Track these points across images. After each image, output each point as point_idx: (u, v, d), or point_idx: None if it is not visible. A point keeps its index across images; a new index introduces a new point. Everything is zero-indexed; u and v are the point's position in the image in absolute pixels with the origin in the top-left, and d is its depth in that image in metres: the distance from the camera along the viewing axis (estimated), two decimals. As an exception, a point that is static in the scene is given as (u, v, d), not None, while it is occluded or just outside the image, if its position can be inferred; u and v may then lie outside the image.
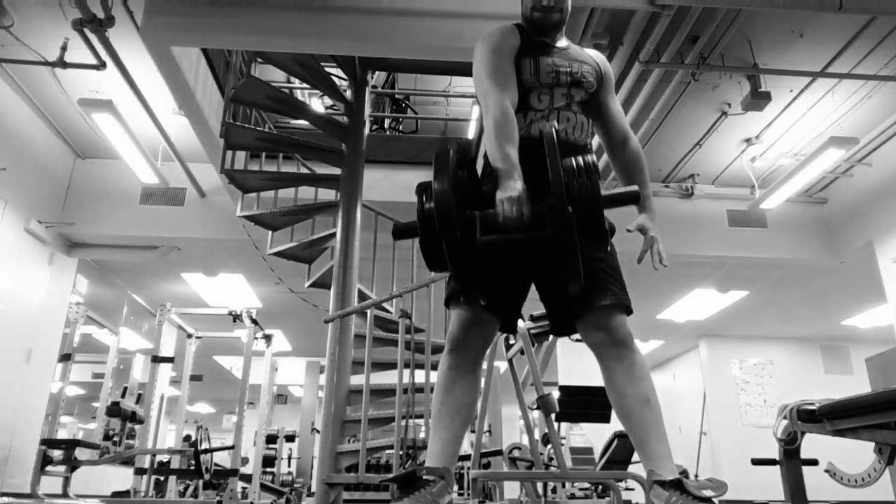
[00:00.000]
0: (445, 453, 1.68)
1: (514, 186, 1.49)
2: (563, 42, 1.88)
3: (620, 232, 1.80)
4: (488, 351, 2.45)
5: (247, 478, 6.03)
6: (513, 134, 1.61)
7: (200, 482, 6.00)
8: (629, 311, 1.68)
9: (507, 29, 1.84)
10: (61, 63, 4.34)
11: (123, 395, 6.74)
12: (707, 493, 1.47)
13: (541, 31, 1.83)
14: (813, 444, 2.52)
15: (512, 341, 3.79)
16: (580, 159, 1.43)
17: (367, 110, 4.72)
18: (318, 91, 5.54)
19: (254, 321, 5.61)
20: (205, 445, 5.00)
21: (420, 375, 3.67)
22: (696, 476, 6.64)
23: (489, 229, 1.44)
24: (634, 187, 1.57)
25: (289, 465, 9.05)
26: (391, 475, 2.14)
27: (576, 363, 7.54)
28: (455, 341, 1.72)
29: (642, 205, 1.86)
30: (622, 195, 1.51)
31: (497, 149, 1.59)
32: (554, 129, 1.44)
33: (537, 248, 1.61)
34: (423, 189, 1.46)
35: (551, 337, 3.52)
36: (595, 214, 1.38)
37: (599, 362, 1.68)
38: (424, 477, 1.61)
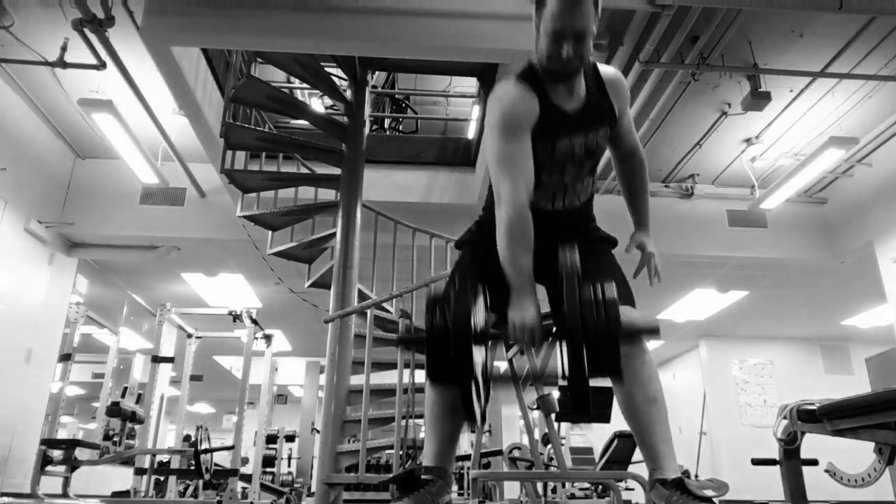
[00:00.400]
0: (442, 452, 1.68)
1: (527, 308, 1.46)
2: (580, 89, 1.71)
3: (621, 238, 1.84)
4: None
5: (247, 478, 6.03)
6: (528, 240, 1.54)
7: (200, 482, 6.00)
8: None
9: (522, 94, 1.66)
10: (61, 63, 4.34)
11: (123, 395, 6.74)
12: (708, 493, 1.47)
13: (556, 78, 1.68)
14: (813, 444, 2.51)
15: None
16: (599, 293, 1.35)
17: (367, 110, 4.72)
18: (318, 91, 5.54)
19: (254, 321, 5.62)
20: (205, 445, 5.00)
21: (420, 375, 3.67)
22: (696, 476, 6.64)
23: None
24: (656, 323, 1.49)
25: (289, 465, 9.06)
26: (391, 475, 2.14)
27: (576, 363, 7.52)
28: None
29: (641, 221, 1.90)
30: (641, 329, 1.46)
31: (510, 258, 1.53)
32: (577, 270, 1.36)
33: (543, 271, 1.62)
34: (434, 303, 1.40)
35: (551, 337, 3.52)
36: (610, 355, 1.33)
37: None
38: (423, 477, 1.62)
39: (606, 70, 1.79)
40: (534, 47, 1.67)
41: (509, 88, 1.67)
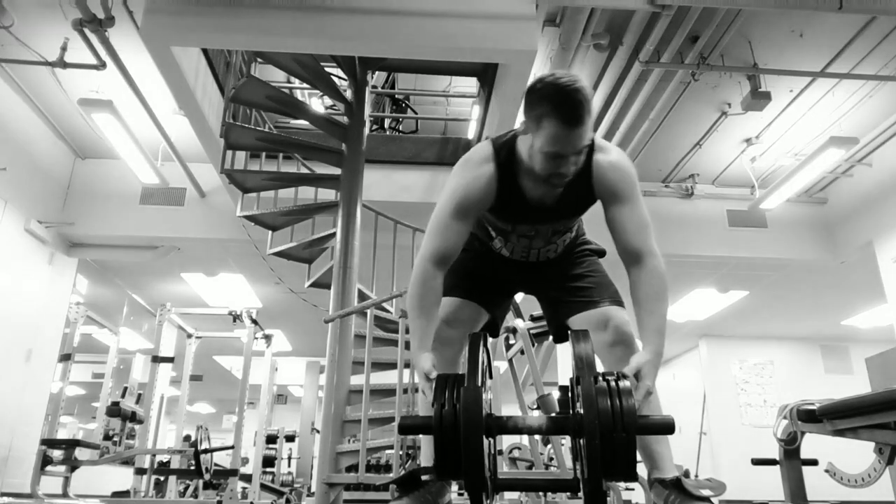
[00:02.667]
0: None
1: (419, 366, 1.47)
2: None
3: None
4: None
5: (247, 478, 6.03)
6: (425, 298, 1.59)
7: (200, 482, 6.00)
8: None
9: (485, 180, 1.58)
10: (61, 63, 4.34)
11: (123, 395, 6.73)
12: (705, 492, 1.48)
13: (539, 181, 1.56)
14: (813, 444, 2.51)
15: (512, 341, 3.79)
16: (615, 388, 1.22)
17: (367, 110, 4.72)
18: (318, 91, 5.54)
19: (254, 321, 5.61)
20: (205, 445, 5.00)
21: (420, 375, 3.67)
22: (696, 476, 6.64)
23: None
24: (670, 417, 1.29)
25: (289, 465, 9.04)
26: (393, 476, 2.14)
27: (576, 363, 7.52)
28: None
29: (652, 341, 1.48)
30: (654, 426, 1.27)
31: (409, 314, 1.59)
32: (592, 364, 1.25)
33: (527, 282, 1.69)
34: (442, 387, 1.30)
35: (551, 337, 3.52)
36: (627, 457, 1.21)
37: (603, 364, 1.69)
38: (423, 477, 1.62)
39: (601, 159, 1.58)
40: (533, 76, 1.65)
41: (478, 166, 1.59)
